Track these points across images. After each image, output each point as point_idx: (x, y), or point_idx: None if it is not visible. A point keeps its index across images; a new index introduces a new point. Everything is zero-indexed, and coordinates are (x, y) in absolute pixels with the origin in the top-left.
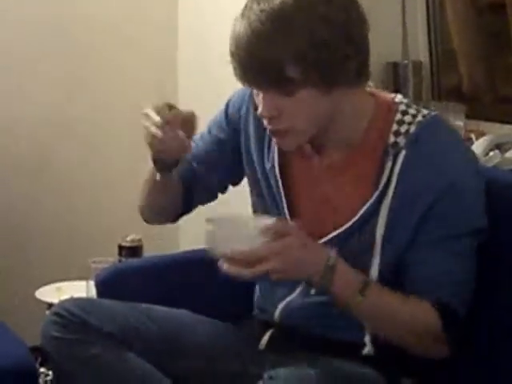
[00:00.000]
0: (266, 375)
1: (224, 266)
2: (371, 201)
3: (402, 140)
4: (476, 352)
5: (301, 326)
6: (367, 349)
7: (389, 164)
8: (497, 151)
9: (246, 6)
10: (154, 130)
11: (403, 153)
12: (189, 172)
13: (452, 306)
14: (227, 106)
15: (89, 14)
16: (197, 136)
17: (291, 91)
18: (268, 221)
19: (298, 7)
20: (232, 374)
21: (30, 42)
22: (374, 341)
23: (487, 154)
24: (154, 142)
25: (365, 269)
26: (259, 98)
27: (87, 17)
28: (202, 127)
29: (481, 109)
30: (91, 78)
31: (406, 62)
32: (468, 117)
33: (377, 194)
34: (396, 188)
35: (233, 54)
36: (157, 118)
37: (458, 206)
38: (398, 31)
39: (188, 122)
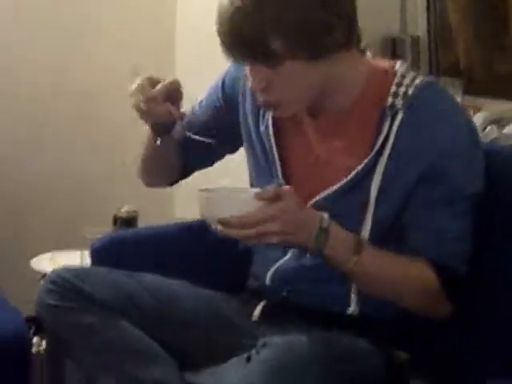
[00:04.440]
0: (259, 343)
1: (222, 230)
2: (366, 160)
3: (399, 102)
4: (470, 326)
5: (291, 291)
6: (351, 308)
7: (386, 125)
8: (494, 127)
9: None
10: (139, 106)
11: (401, 114)
12: (186, 137)
13: (450, 263)
14: (225, 74)
15: None
16: (196, 102)
17: (276, 63)
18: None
19: None
20: (225, 345)
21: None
22: (360, 300)
23: (484, 129)
24: (143, 117)
25: (357, 228)
26: (248, 71)
27: None
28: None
29: (477, 85)
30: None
31: (404, 37)
32: (465, 93)
33: (373, 153)
34: (393, 148)
35: (218, 30)
36: (139, 97)
37: (455, 168)
38: (397, 6)
39: (173, 92)
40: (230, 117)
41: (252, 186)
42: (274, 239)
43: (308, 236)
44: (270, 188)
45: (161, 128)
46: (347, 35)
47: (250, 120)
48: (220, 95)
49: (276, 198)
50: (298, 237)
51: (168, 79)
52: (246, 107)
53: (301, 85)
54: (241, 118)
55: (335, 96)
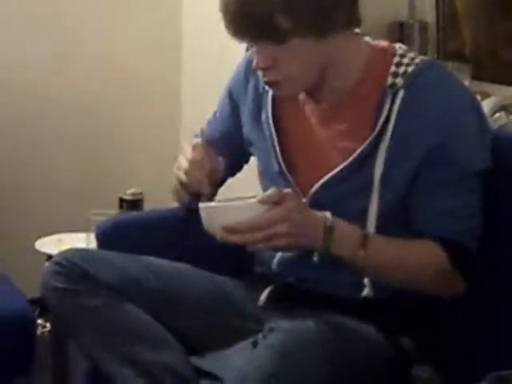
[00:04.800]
0: (266, 327)
1: (228, 238)
2: (368, 140)
3: (399, 80)
4: (476, 313)
5: (299, 278)
6: (366, 290)
7: (387, 105)
8: (502, 113)
9: None
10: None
11: (401, 92)
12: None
13: (459, 240)
14: (229, 84)
15: None
16: (211, 116)
17: (283, 40)
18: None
19: None
20: (231, 330)
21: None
22: (373, 283)
23: (493, 115)
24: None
25: (362, 210)
26: (253, 50)
27: None
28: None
29: (485, 71)
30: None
31: (412, 22)
32: (473, 78)
33: (375, 133)
34: (394, 128)
35: (223, 10)
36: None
37: (459, 145)
38: None
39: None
40: (238, 120)
41: (261, 180)
42: (282, 242)
43: (315, 236)
44: (273, 192)
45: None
46: (351, 14)
47: (251, 112)
48: (230, 105)
49: (279, 200)
50: (306, 238)
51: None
52: (247, 100)
53: (306, 62)
54: (242, 115)
55: (336, 78)
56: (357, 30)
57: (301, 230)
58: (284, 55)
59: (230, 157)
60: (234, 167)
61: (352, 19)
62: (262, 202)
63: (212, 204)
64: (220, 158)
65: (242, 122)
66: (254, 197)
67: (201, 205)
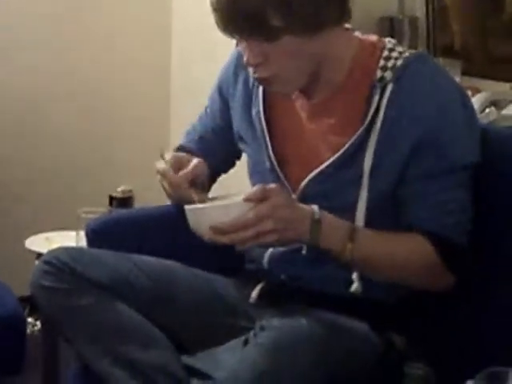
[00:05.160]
0: (257, 325)
1: (215, 238)
2: (358, 133)
3: (388, 74)
4: (467, 310)
5: (290, 275)
6: (355, 286)
7: (376, 98)
8: (493, 108)
9: None
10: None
11: (390, 86)
12: (204, 145)
13: (448, 235)
14: (219, 81)
15: None
16: (202, 111)
17: (275, 37)
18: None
19: None
20: (222, 328)
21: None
22: (362, 278)
23: (483, 110)
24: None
25: (352, 203)
26: (243, 46)
27: None
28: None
29: (475, 66)
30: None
31: (402, 16)
32: (464, 74)
33: (364, 126)
34: (384, 121)
35: (214, 6)
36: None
37: (448, 137)
38: None
39: (196, 177)
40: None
41: (250, 176)
42: (270, 238)
43: (302, 230)
44: (257, 189)
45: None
46: (342, 10)
47: (241, 111)
48: (220, 100)
49: (264, 197)
50: (293, 232)
51: (192, 163)
52: (237, 95)
53: (297, 59)
54: (232, 110)
55: (328, 73)
56: (347, 25)
57: (287, 224)
58: (275, 52)
59: (223, 152)
60: (227, 163)
61: (343, 15)
62: (246, 199)
63: (197, 206)
64: (195, 161)
65: (232, 117)
66: (234, 194)
67: (186, 207)
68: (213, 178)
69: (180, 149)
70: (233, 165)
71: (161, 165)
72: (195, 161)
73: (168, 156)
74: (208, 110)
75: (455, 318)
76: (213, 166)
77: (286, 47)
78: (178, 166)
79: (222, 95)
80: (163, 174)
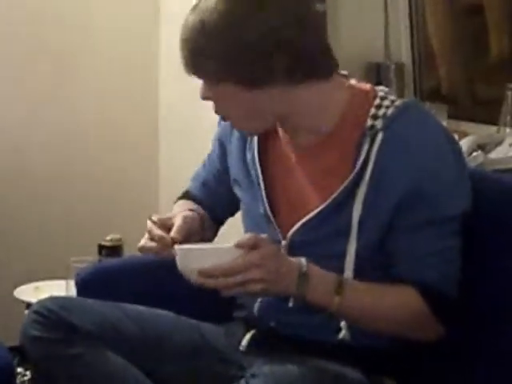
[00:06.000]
0: (248, 373)
1: (202, 282)
2: (347, 182)
3: (379, 122)
4: (458, 354)
5: (279, 322)
6: (343, 333)
7: (365, 146)
8: (480, 152)
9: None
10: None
11: (380, 135)
12: (207, 190)
13: (438, 287)
14: (218, 135)
15: None
16: (205, 157)
17: (214, 81)
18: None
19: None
20: (213, 376)
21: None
22: (350, 325)
23: (470, 154)
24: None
25: (341, 252)
26: None
27: None
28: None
29: (462, 110)
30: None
31: (388, 62)
32: (450, 117)
33: (353, 175)
34: (373, 170)
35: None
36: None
37: (437, 188)
38: (381, 32)
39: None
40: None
41: (243, 220)
42: (256, 287)
43: (289, 282)
44: (249, 236)
45: None
46: (293, 69)
47: (235, 155)
48: (219, 147)
49: (255, 245)
50: (280, 284)
51: (175, 224)
52: (234, 140)
53: (239, 107)
54: (229, 158)
55: (311, 120)
56: (343, 72)
57: (275, 276)
58: (218, 95)
59: (225, 197)
60: (230, 207)
61: (294, 73)
62: (238, 246)
63: (188, 246)
64: (178, 221)
65: (229, 163)
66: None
67: (176, 247)
68: (218, 223)
69: (185, 195)
70: (237, 209)
71: (149, 225)
72: (179, 221)
73: (155, 218)
74: (209, 156)
75: (447, 361)
76: (217, 211)
77: (224, 94)
78: (163, 228)
79: (221, 140)
80: (149, 231)
